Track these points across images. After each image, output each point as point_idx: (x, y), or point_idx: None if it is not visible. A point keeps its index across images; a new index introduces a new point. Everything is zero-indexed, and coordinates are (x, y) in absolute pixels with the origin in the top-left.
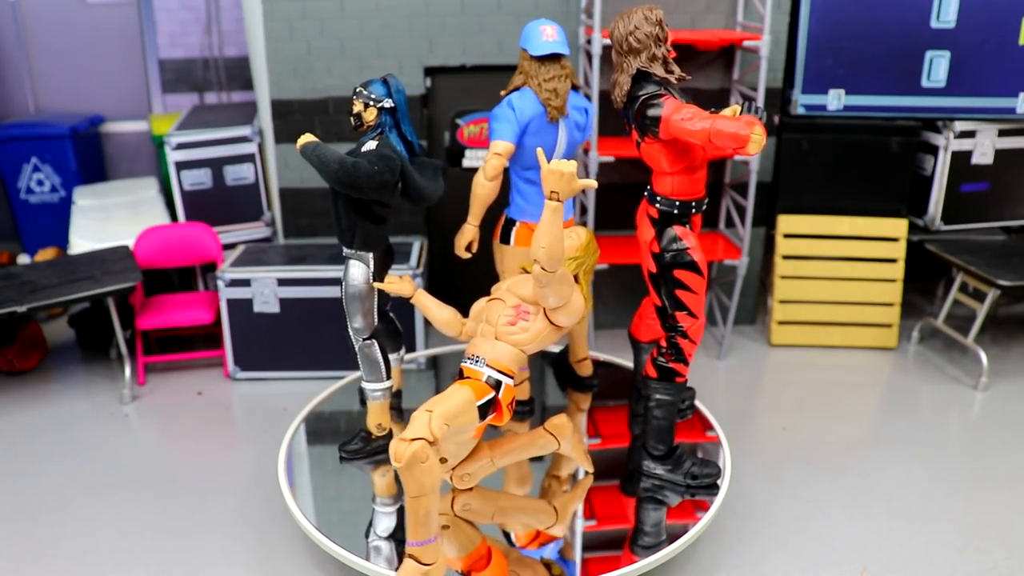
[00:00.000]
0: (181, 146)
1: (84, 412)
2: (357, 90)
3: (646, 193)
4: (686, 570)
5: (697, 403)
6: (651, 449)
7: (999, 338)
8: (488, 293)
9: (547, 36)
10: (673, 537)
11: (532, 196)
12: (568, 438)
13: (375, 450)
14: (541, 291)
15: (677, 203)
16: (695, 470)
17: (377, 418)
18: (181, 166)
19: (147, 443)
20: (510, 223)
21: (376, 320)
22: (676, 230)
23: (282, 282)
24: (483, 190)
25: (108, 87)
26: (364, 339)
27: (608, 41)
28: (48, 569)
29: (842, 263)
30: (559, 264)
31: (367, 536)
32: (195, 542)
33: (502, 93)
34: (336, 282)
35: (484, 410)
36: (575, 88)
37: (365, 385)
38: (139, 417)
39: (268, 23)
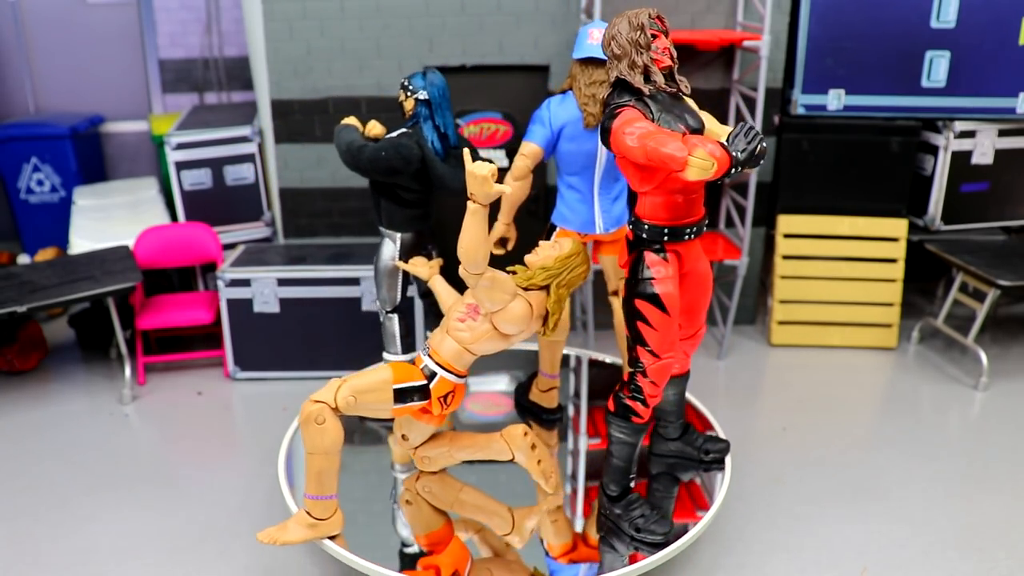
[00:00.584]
0: (181, 146)
1: (84, 412)
2: (403, 81)
3: None
4: (686, 570)
5: (697, 403)
6: (605, 487)
7: (999, 338)
8: None
9: (592, 39)
10: (673, 537)
11: (573, 203)
12: (522, 450)
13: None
14: (472, 292)
15: (646, 227)
16: (639, 523)
17: None
18: (181, 166)
19: (147, 443)
20: (551, 228)
21: (399, 296)
22: (647, 257)
23: (282, 282)
24: (509, 189)
25: (108, 87)
26: (387, 311)
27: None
28: (48, 569)
29: (842, 263)
30: (479, 267)
31: (391, 499)
32: (195, 542)
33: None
34: (336, 282)
35: (404, 395)
36: None
37: (384, 355)
38: (139, 417)
39: (268, 23)
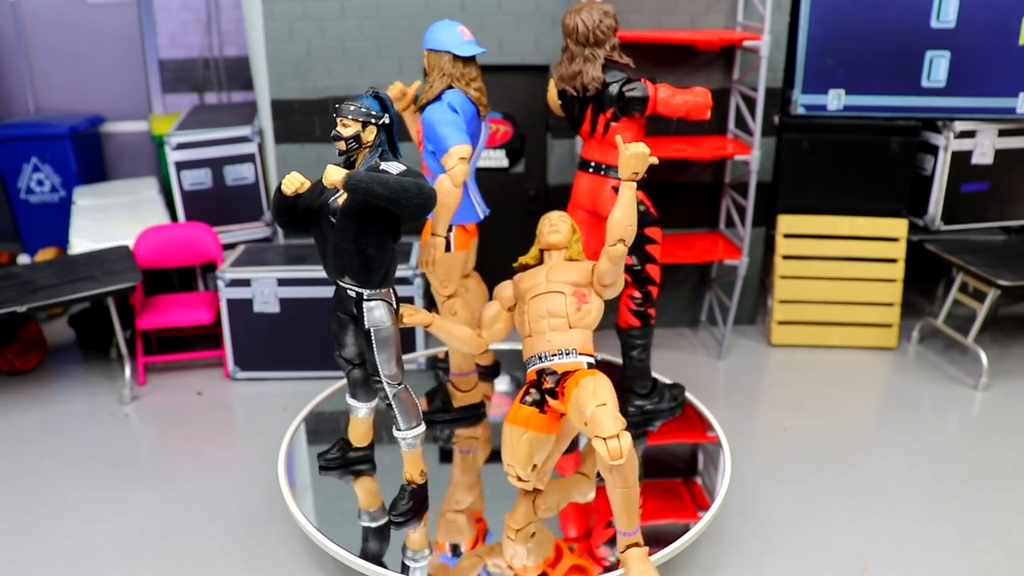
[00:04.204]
0: (181, 146)
1: (84, 412)
2: (350, 109)
3: (600, 170)
4: (686, 570)
5: (697, 403)
6: (639, 389)
7: (999, 338)
8: (490, 293)
9: (468, 36)
10: (673, 537)
11: (463, 198)
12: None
13: (423, 499)
14: (615, 269)
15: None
16: (675, 392)
17: (419, 464)
18: (181, 166)
19: (147, 443)
20: (450, 230)
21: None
22: (639, 195)
23: (282, 282)
24: (453, 198)
25: (108, 87)
26: (399, 384)
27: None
28: (48, 569)
29: (842, 263)
30: (631, 242)
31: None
32: (195, 542)
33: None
34: None
35: None
36: None
37: (404, 434)
38: (139, 417)
39: (268, 23)
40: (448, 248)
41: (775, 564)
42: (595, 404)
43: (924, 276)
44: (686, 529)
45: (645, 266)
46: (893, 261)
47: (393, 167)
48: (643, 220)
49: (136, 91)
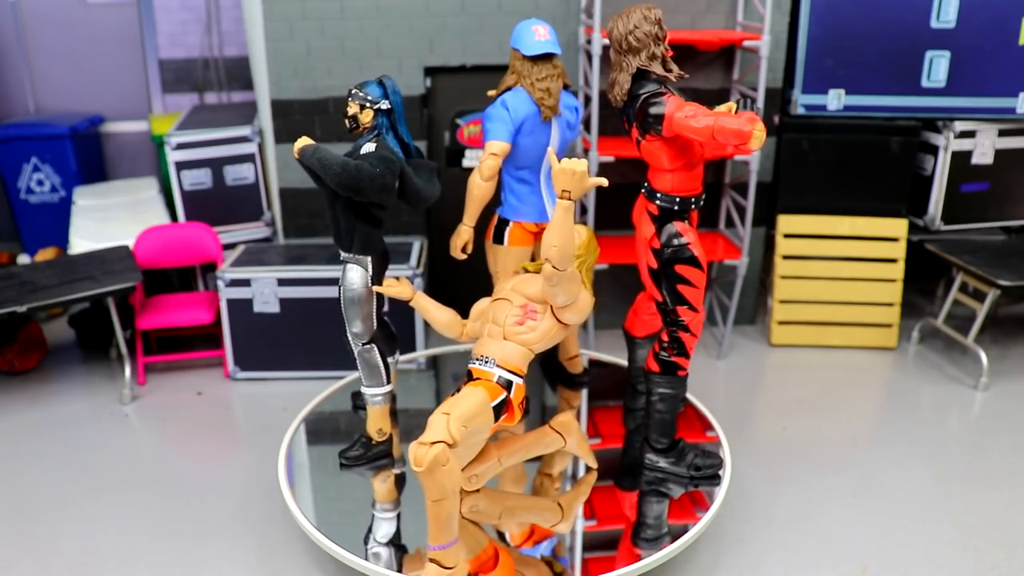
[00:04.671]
0: (181, 146)
1: (84, 412)
2: (352, 92)
3: (644, 190)
4: (686, 570)
5: (697, 403)
6: (654, 443)
7: (999, 338)
8: (489, 293)
9: (539, 36)
10: (673, 537)
11: (525, 196)
12: (574, 435)
13: (376, 455)
14: (551, 290)
15: (677, 199)
16: (698, 462)
17: (378, 423)
18: (181, 166)
19: (147, 443)
20: (503, 223)
21: (375, 324)
22: (676, 226)
23: (282, 282)
24: (480, 191)
25: (108, 87)
26: (364, 344)
27: (608, 41)
28: (48, 569)
29: (842, 263)
30: (570, 263)
31: (366, 542)
32: (195, 542)
33: (490, 93)
34: (336, 282)
35: (497, 410)
36: (566, 87)
37: (365, 390)
38: (139, 417)
39: (268, 23)
40: (501, 241)
41: (775, 564)
42: (441, 411)
43: (924, 276)
44: (686, 529)
45: (676, 308)
46: (893, 261)
47: (366, 148)
48: (677, 255)
49: (136, 91)
